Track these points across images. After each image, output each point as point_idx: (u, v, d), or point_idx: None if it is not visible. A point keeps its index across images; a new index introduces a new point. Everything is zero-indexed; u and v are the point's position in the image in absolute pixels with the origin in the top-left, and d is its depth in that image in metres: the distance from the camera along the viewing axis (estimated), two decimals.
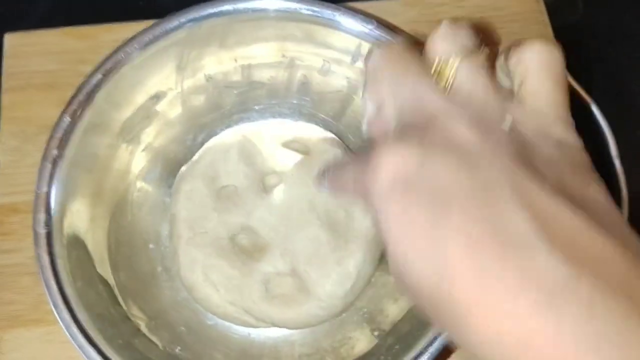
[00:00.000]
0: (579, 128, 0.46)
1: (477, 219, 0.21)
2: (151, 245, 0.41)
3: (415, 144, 0.23)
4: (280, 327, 0.40)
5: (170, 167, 0.42)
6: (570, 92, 0.48)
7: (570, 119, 0.27)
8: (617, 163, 0.49)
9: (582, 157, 0.25)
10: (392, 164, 0.22)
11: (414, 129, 0.24)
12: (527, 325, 0.19)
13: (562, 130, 0.26)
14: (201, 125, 0.43)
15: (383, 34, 0.36)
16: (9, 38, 0.47)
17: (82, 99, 0.34)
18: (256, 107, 0.43)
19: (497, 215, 0.21)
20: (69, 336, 0.30)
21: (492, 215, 0.21)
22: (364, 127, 0.28)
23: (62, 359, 0.40)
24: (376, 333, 0.38)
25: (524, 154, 0.23)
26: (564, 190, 0.22)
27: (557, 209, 0.21)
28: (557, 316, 0.19)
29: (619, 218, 0.23)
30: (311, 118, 0.44)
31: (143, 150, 0.40)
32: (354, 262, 0.39)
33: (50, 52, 0.47)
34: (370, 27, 0.36)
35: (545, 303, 0.19)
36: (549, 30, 0.50)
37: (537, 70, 0.26)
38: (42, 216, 0.32)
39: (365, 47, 0.38)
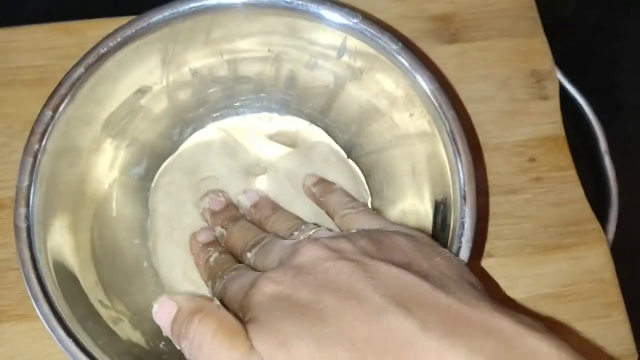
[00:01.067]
0: (569, 124, 0.47)
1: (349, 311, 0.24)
2: (136, 241, 0.40)
3: (288, 268, 0.27)
4: None
5: (155, 162, 0.42)
6: (561, 89, 0.48)
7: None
8: (606, 158, 0.49)
9: (424, 238, 0.30)
10: (271, 285, 0.26)
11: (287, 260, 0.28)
12: None
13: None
14: (187, 120, 0.42)
15: (368, 28, 0.36)
16: None
17: (63, 92, 0.33)
18: (243, 102, 0.43)
19: (362, 302, 0.25)
20: (49, 330, 0.30)
21: (359, 303, 0.25)
22: None
23: (46, 355, 0.40)
24: None
25: (372, 250, 0.28)
26: (409, 266, 0.26)
27: (404, 282, 0.25)
28: None
29: (458, 278, 0.27)
30: (298, 113, 0.43)
31: (128, 145, 0.40)
32: None
33: (38, 47, 0.47)
34: (355, 20, 0.36)
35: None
36: (538, 27, 0.50)
37: None
38: (22, 210, 0.31)
39: (352, 41, 0.38)
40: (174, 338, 0.27)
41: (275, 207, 0.39)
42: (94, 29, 0.47)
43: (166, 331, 0.27)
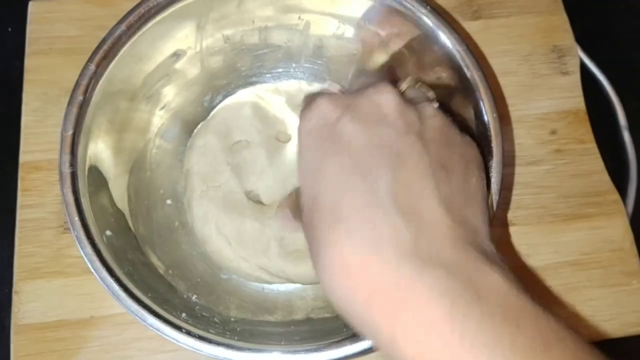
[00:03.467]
0: (589, 100, 0.48)
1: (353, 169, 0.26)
2: (169, 201, 0.42)
3: (341, 104, 0.29)
4: (295, 282, 0.41)
5: (187, 127, 0.43)
6: (581, 65, 0.49)
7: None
8: (626, 134, 0.50)
9: (476, 156, 0.31)
10: (319, 111, 0.29)
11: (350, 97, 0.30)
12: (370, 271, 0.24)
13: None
14: (218, 87, 0.44)
15: None
16: (33, 5, 0.49)
17: (106, 48, 0.35)
18: (272, 70, 0.44)
19: (371, 174, 0.26)
20: (91, 268, 0.31)
21: (366, 173, 0.26)
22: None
23: (79, 310, 0.41)
24: None
25: (433, 143, 0.28)
26: (444, 167, 0.27)
27: (420, 186, 0.26)
28: (397, 267, 0.24)
29: (480, 203, 0.29)
30: (325, 81, 0.44)
31: (162, 109, 0.41)
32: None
33: (72, 18, 0.48)
34: None
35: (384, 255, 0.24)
36: (559, 4, 0.51)
37: None
38: (67, 157, 0.33)
39: (380, 7, 0.39)
40: None
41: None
42: (127, 2, 0.47)
43: None
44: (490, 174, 0.34)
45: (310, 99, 0.31)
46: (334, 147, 0.27)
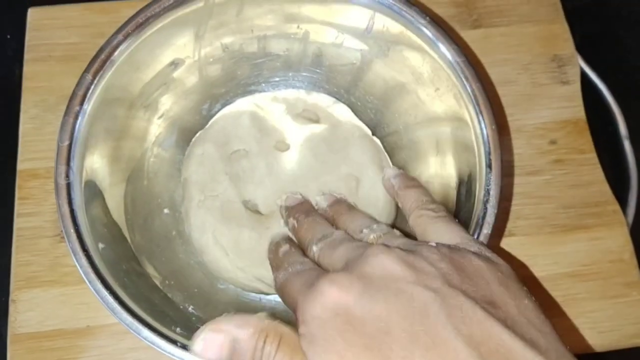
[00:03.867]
0: (589, 109, 0.47)
1: (419, 351, 0.22)
2: (166, 210, 0.41)
3: (355, 276, 0.24)
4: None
5: (185, 136, 0.43)
6: (581, 74, 0.49)
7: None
8: (626, 143, 0.50)
9: (509, 271, 0.26)
10: (334, 291, 0.24)
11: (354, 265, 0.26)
12: None
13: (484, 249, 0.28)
14: (217, 96, 0.44)
15: (396, 3, 0.37)
16: (33, 12, 0.49)
17: (104, 58, 0.35)
18: (271, 79, 0.44)
19: (438, 344, 0.22)
20: (86, 280, 0.31)
21: (434, 345, 0.22)
22: None
23: (76, 319, 0.41)
24: None
25: (454, 278, 0.24)
26: (494, 305, 0.23)
27: (490, 331, 0.22)
28: None
29: (550, 331, 0.24)
30: (324, 90, 0.44)
31: (160, 117, 0.41)
32: None
33: (71, 25, 0.48)
34: None
35: None
36: (560, 13, 0.51)
37: None
38: (63, 168, 0.33)
39: (379, 17, 0.39)
40: None
41: (351, 207, 0.37)
42: (127, 9, 0.48)
43: None
44: (489, 187, 0.34)
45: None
46: (362, 339, 0.22)
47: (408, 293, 0.23)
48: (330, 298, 0.23)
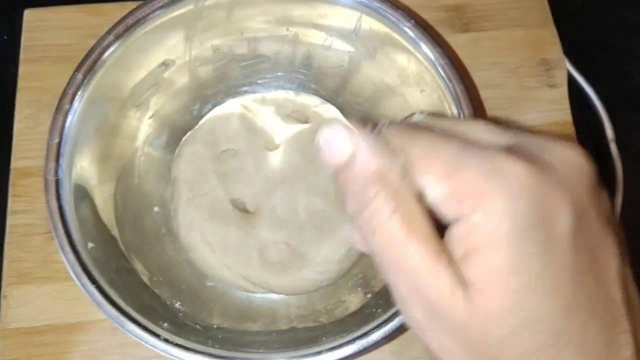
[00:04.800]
0: (577, 113, 0.48)
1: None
2: (156, 209, 0.42)
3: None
4: (278, 293, 0.41)
5: (176, 135, 0.44)
6: (569, 78, 0.50)
7: None
8: (612, 147, 0.50)
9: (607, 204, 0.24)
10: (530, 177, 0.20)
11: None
12: None
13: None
14: (207, 96, 0.44)
15: (382, 5, 0.38)
16: (28, 13, 0.49)
17: (94, 58, 0.35)
18: (260, 80, 0.45)
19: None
20: (73, 275, 0.31)
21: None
22: None
23: (68, 315, 0.41)
24: (369, 295, 0.39)
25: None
26: (608, 222, 0.22)
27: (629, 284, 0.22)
28: None
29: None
30: (313, 91, 0.45)
31: (150, 117, 0.42)
32: (348, 228, 0.40)
33: (66, 27, 0.49)
34: None
35: None
36: (548, 17, 0.51)
37: None
38: (52, 165, 0.33)
39: (366, 19, 0.39)
40: (339, 184, 0.22)
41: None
42: (121, 11, 0.47)
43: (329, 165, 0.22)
44: None
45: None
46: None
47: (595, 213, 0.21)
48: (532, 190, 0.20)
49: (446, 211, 0.21)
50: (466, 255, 0.20)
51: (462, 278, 0.20)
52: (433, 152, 0.21)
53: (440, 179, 0.20)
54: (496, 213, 0.20)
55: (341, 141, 0.21)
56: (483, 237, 0.20)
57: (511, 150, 0.21)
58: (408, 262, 0.20)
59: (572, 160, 0.21)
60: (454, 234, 0.21)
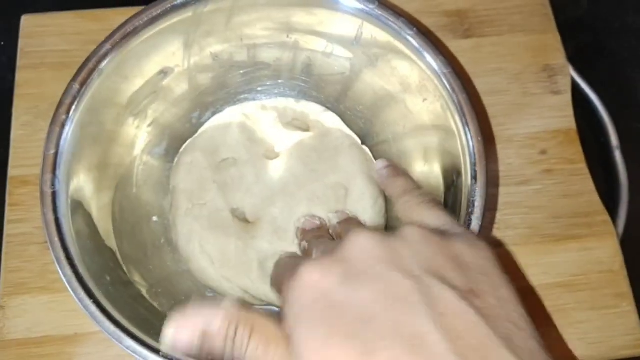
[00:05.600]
0: (581, 119, 0.47)
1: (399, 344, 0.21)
2: (155, 218, 0.42)
3: (334, 259, 0.24)
4: (278, 306, 0.40)
5: (175, 144, 0.43)
6: (573, 84, 0.49)
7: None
8: (617, 154, 0.50)
9: (489, 255, 0.26)
10: (314, 274, 0.24)
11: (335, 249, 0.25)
12: None
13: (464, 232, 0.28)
14: (207, 104, 0.44)
15: (384, 14, 0.37)
16: (26, 19, 0.49)
17: (91, 67, 0.35)
18: (261, 88, 0.44)
19: (417, 337, 0.21)
20: (70, 290, 0.31)
21: (413, 337, 0.21)
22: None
23: (64, 326, 0.41)
24: None
25: (435, 262, 0.24)
26: (474, 294, 0.23)
27: (469, 324, 0.22)
28: None
29: (527, 326, 0.23)
30: (314, 99, 0.45)
31: (149, 125, 0.41)
32: None
33: (63, 33, 0.49)
34: (372, 6, 0.37)
35: None
36: (551, 23, 0.51)
37: None
38: (49, 176, 0.33)
39: (368, 28, 0.39)
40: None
41: (360, 225, 0.37)
42: (119, 17, 0.47)
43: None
44: (474, 199, 0.34)
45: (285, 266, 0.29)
46: (344, 327, 0.22)
47: (387, 279, 0.23)
48: (310, 282, 0.24)
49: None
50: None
51: None
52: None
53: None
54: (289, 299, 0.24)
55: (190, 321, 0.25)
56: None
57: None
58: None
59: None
60: None
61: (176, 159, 0.43)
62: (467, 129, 0.35)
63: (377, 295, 0.22)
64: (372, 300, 0.22)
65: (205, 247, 0.39)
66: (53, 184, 0.33)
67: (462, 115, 0.35)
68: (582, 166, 0.47)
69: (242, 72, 0.43)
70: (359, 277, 0.23)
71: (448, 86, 0.36)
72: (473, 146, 0.35)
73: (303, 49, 0.42)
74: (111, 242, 0.37)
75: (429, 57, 0.37)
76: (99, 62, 0.35)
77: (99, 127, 0.37)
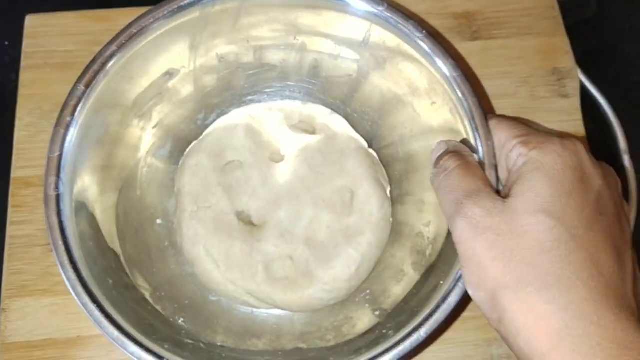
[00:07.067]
0: (589, 123, 0.47)
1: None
2: (159, 221, 0.41)
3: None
4: (283, 309, 0.40)
5: (180, 145, 0.43)
6: (581, 88, 0.49)
7: None
8: (626, 158, 0.49)
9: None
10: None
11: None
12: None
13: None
14: (212, 106, 0.43)
15: (393, 16, 0.37)
16: (30, 19, 0.48)
17: (96, 69, 0.34)
18: (267, 90, 0.44)
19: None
20: (74, 294, 0.30)
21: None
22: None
23: (67, 329, 0.41)
24: (377, 313, 0.38)
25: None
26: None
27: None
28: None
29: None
30: (320, 101, 0.44)
31: (154, 127, 0.41)
32: (357, 245, 0.39)
33: (68, 33, 0.48)
34: (380, 8, 0.37)
35: None
36: (560, 26, 0.50)
37: None
38: (53, 179, 0.32)
39: (376, 30, 0.38)
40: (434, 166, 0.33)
41: None
42: (124, 17, 0.47)
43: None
44: None
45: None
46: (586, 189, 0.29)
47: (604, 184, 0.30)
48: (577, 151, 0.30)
49: (515, 154, 0.31)
50: (517, 180, 0.29)
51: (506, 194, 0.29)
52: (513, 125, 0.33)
53: (517, 136, 0.31)
54: (549, 152, 0.29)
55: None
56: (534, 165, 0.29)
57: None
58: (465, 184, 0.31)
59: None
60: (513, 168, 0.31)
61: (181, 161, 0.42)
62: (477, 134, 0.34)
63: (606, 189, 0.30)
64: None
65: (210, 250, 0.39)
66: (57, 187, 0.32)
67: (472, 119, 0.35)
68: None
69: (248, 73, 0.43)
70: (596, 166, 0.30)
71: (457, 90, 0.35)
72: (483, 151, 0.34)
73: (310, 51, 0.42)
74: (115, 245, 0.37)
75: (438, 60, 0.36)
76: (105, 63, 0.35)
77: (104, 129, 0.37)
